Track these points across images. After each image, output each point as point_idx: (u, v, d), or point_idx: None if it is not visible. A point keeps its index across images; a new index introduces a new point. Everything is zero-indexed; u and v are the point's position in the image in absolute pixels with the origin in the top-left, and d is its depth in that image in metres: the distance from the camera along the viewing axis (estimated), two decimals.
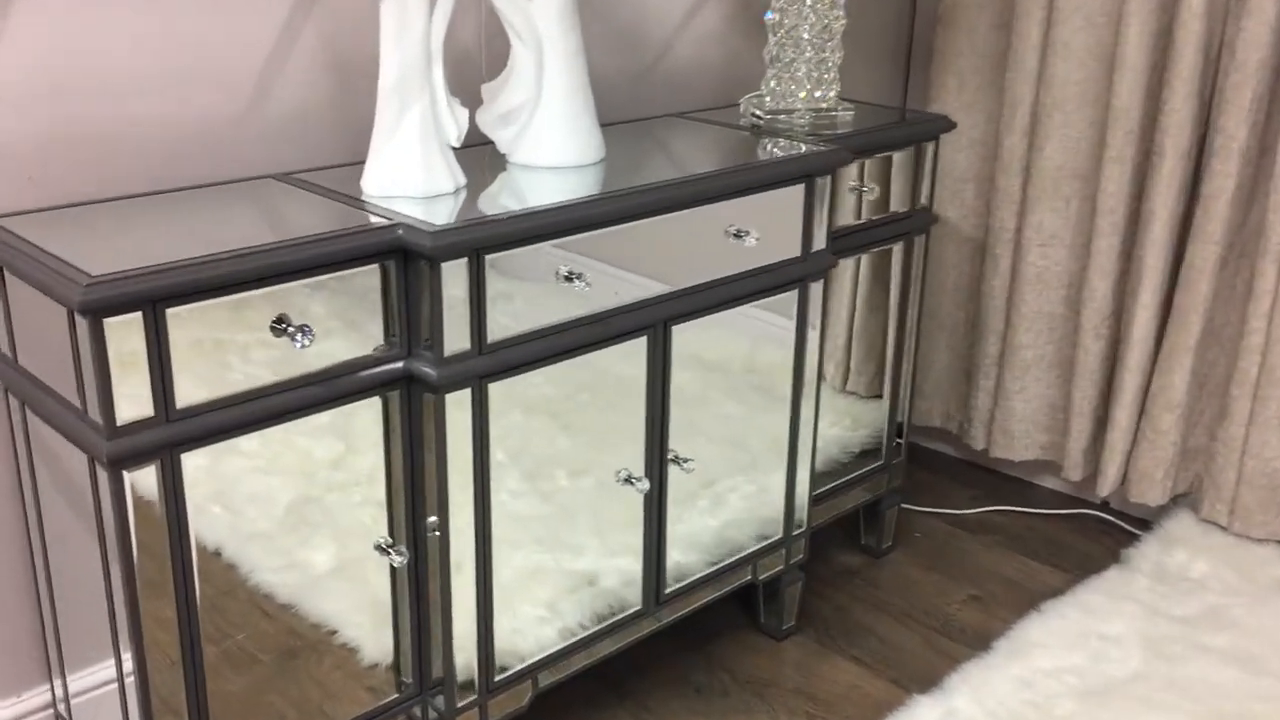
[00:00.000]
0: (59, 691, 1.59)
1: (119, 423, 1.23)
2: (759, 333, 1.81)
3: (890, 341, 2.17)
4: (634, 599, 1.77)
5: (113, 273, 1.20)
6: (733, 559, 1.92)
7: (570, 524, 1.65)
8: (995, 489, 2.58)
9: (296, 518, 1.45)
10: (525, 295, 1.49)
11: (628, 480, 1.71)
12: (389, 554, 1.52)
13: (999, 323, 2.45)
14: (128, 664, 1.36)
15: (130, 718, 1.40)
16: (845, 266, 2.04)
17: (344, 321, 1.39)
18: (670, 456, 1.75)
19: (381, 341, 1.43)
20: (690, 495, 1.81)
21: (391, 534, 1.53)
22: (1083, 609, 2.10)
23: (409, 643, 1.59)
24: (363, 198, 1.51)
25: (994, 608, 2.18)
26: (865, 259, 2.08)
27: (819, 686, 1.96)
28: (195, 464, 1.31)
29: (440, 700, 1.60)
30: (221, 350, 1.30)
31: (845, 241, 1.98)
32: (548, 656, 1.70)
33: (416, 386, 1.46)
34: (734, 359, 1.79)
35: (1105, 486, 2.36)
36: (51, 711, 1.67)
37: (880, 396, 2.21)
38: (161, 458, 1.27)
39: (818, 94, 2.00)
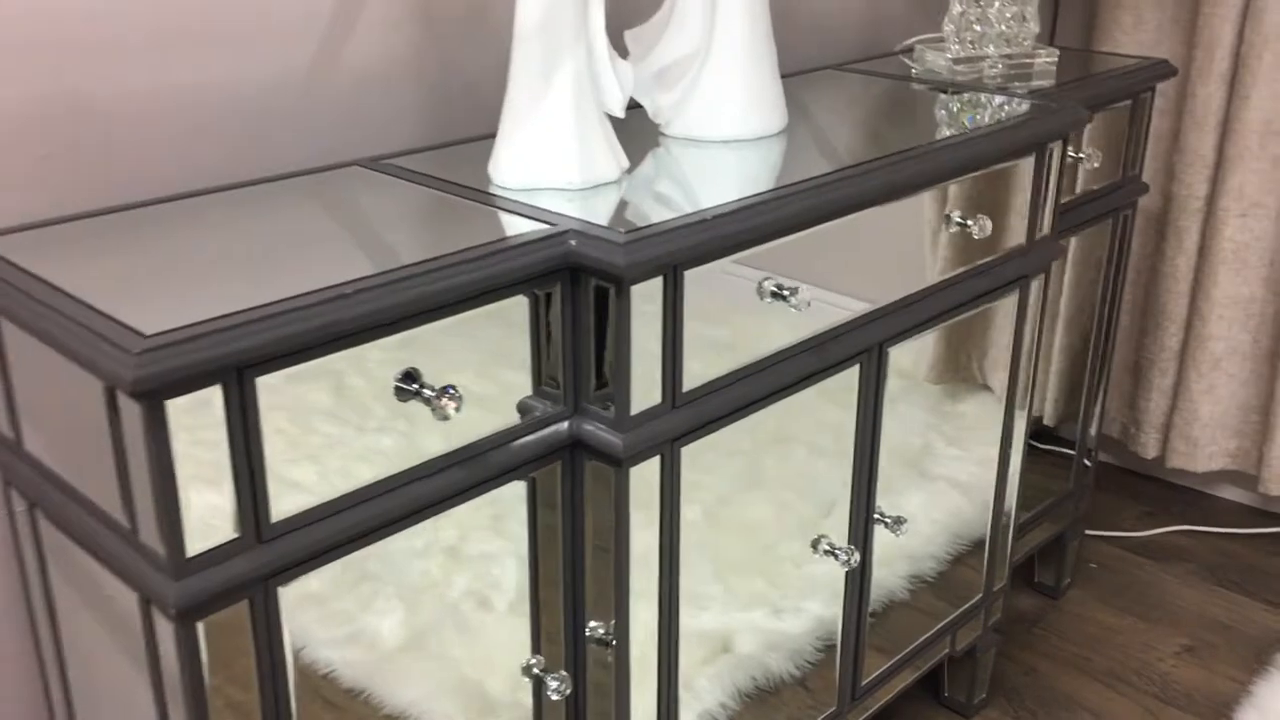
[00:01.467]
0: None
1: (189, 554, 0.81)
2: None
3: (1091, 343, 1.77)
4: (776, 665, 1.36)
5: (176, 330, 0.78)
6: (929, 634, 1.53)
7: (686, 568, 1.20)
8: (1168, 504, 2.20)
9: (356, 573, 1.02)
10: (702, 320, 1.07)
11: (830, 552, 1.30)
12: (542, 682, 1.11)
13: (1181, 310, 2.05)
14: None
15: None
16: None
17: (475, 372, 0.97)
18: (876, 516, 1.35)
19: (529, 395, 1.01)
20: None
21: (539, 651, 1.12)
22: None
23: None
24: (493, 190, 1.09)
25: (1214, 662, 1.79)
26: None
27: None
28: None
29: None
30: (313, 428, 0.87)
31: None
32: None
33: (581, 455, 1.05)
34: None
35: None
36: None
37: (1062, 420, 1.81)
38: (252, 596, 0.85)
39: (1014, 37, 1.57)
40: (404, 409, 0.92)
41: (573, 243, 0.96)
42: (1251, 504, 2.19)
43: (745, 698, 1.31)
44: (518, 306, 0.97)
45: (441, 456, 0.95)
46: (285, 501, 0.86)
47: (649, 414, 1.02)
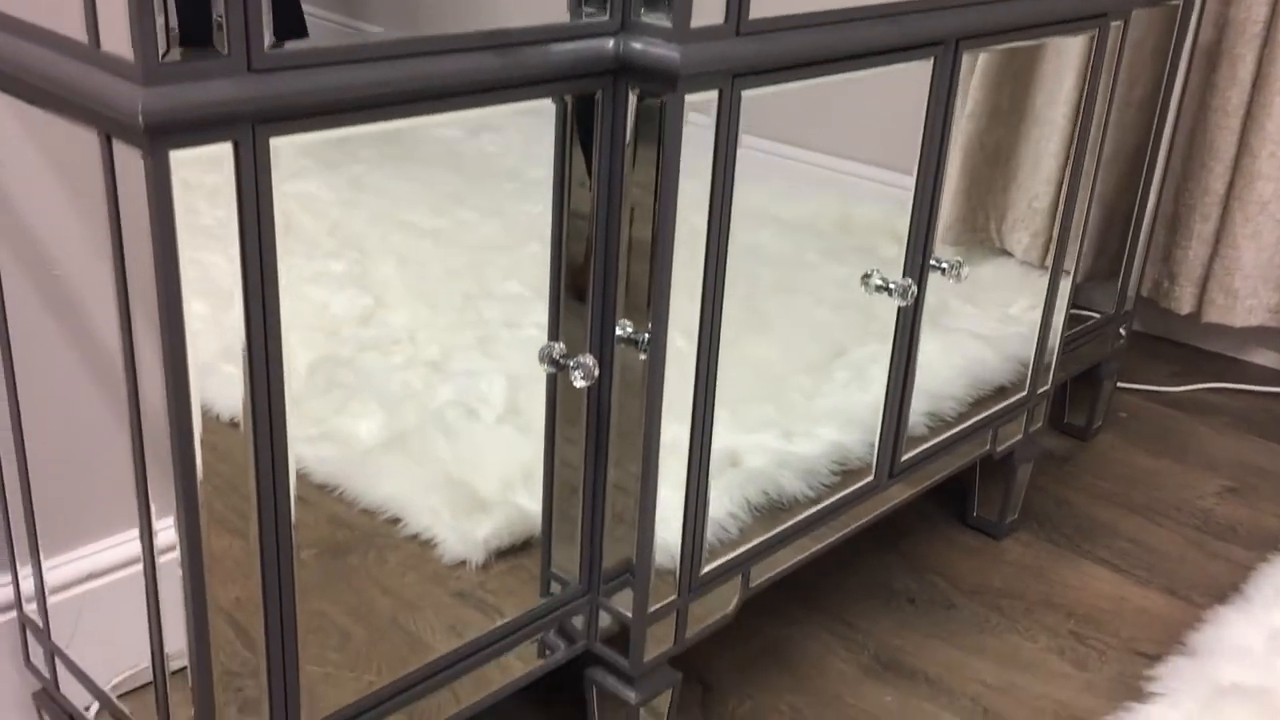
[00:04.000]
0: (27, 587, 1.01)
1: (163, 56, 0.65)
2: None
3: (1150, 147, 1.63)
4: (789, 483, 1.21)
5: None
6: (974, 420, 1.39)
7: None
8: (1198, 365, 2.07)
9: (325, 379, 0.88)
10: None
11: (882, 287, 1.16)
12: (564, 368, 0.96)
13: (1229, 147, 1.92)
14: (163, 531, 0.79)
15: (165, 617, 0.84)
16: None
17: None
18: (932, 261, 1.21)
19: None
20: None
21: (559, 340, 0.97)
22: None
23: (576, 515, 1.03)
24: None
25: (1259, 501, 1.67)
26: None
27: (1073, 597, 1.44)
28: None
29: (620, 600, 1.05)
30: None
31: None
32: (762, 543, 1.15)
33: (626, 84, 0.89)
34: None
35: None
36: (14, 615, 1.09)
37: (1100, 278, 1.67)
38: (238, 140, 0.69)
39: None
40: None
41: None
42: None
43: (756, 510, 1.17)
44: None
45: (473, 33, 0.79)
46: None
47: (709, 32, 0.87)
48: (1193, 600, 1.44)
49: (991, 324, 1.45)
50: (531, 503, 1.03)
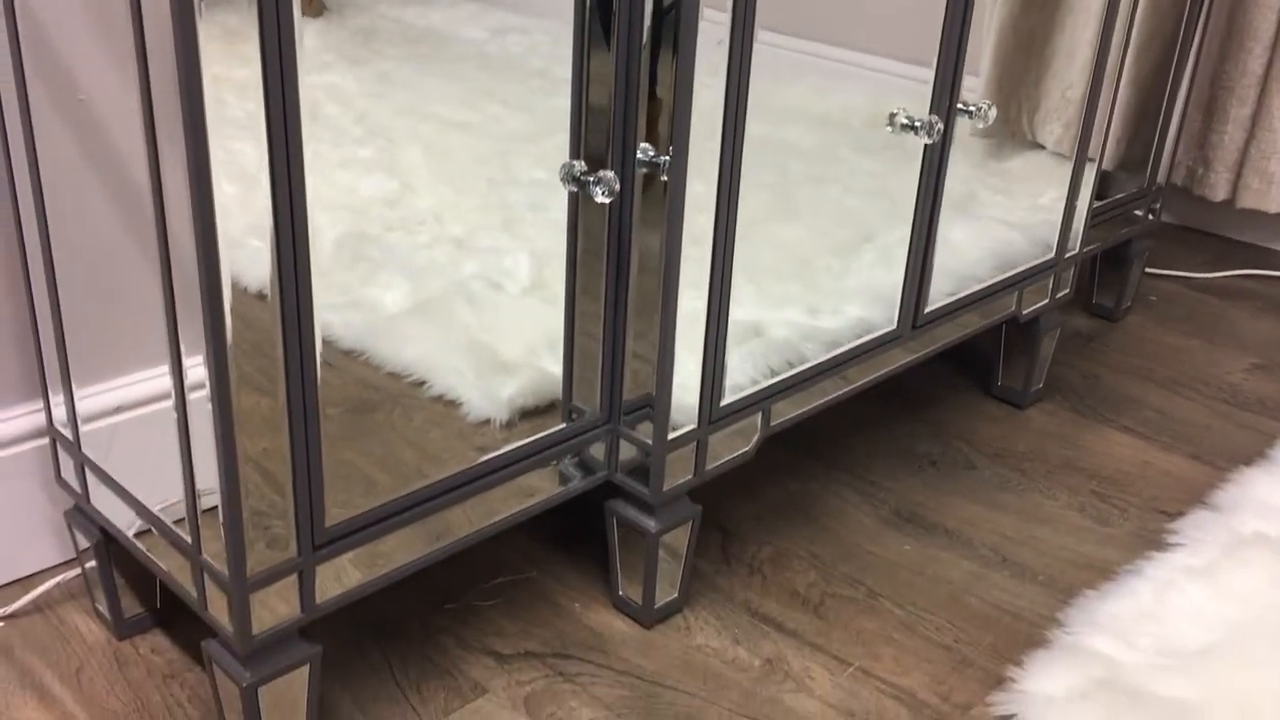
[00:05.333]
0: (59, 414, 1.02)
1: None
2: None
3: (1185, 23, 1.59)
4: (813, 354, 1.21)
5: None
6: (1001, 277, 1.38)
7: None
8: (1229, 254, 2.05)
9: (351, 254, 0.88)
10: None
11: (910, 126, 1.14)
12: (587, 185, 0.95)
13: (1269, 26, 1.88)
14: (192, 369, 0.81)
15: (195, 447, 0.85)
16: None
17: None
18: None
19: None
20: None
21: (579, 157, 0.97)
22: None
23: (597, 344, 1.03)
24: None
25: None
26: None
27: (1096, 461, 1.44)
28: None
29: (641, 431, 1.05)
30: None
31: None
32: (782, 382, 1.15)
33: None
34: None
35: None
36: (43, 442, 1.11)
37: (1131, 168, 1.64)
38: None
39: None
40: None
41: None
42: None
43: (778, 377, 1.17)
44: None
45: None
46: None
47: None
48: (1217, 465, 1.43)
49: (1021, 213, 1.44)
50: (556, 367, 1.03)
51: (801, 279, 1.19)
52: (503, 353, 1.02)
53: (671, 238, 0.98)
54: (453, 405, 1.02)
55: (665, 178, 0.96)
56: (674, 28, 0.92)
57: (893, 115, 1.15)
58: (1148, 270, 1.94)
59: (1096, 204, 1.61)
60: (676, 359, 1.03)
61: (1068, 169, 1.44)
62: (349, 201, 0.87)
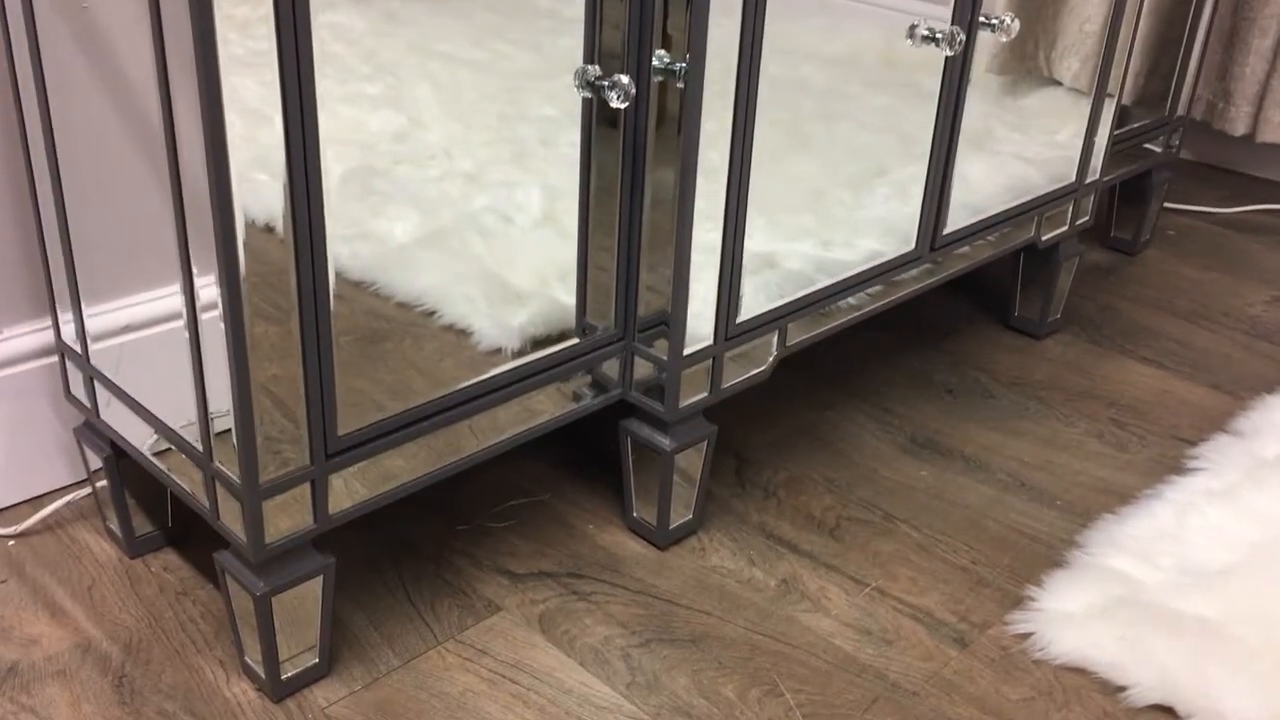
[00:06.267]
0: (69, 330, 1.01)
1: None
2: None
3: None
4: (825, 284, 1.19)
5: None
6: (1019, 202, 1.36)
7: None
8: (1249, 189, 2.02)
9: (360, 187, 0.86)
10: None
11: (930, 38, 1.12)
12: (602, 90, 0.93)
13: None
14: (203, 285, 0.79)
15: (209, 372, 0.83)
16: None
17: None
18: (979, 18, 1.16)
19: None
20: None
21: (594, 62, 0.95)
22: None
23: (612, 255, 1.02)
24: None
25: None
26: None
27: (1114, 389, 1.42)
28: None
29: (657, 347, 1.04)
30: None
31: None
32: (798, 300, 1.13)
33: None
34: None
35: None
36: (51, 361, 1.10)
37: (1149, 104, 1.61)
38: None
39: None
40: None
41: None
42: None
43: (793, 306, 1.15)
44: None
45: None
46: None
47: None
48: (1238, 394, 1.41)
49: (1037, 148, 1.41)
50: (568, 297, 1.02)
51: (815, 212, 1.17)
52: (514, 282, 1.00)
53: (687, 145, 0.95)
54: (463, 334, 1.00)
55: (681, 84, 0.94)
56: None
57: (913, 27, 1.12)
58: (1166, 205, 1.91)
59: (1115, 134, 1.59)
60: (691, 290, 1.02)
61: (1085, 104, 1.41)
62: (357, 137, 0.85)
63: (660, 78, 0.96)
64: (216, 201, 0.74)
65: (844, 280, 1.17)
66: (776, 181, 1.09)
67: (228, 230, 0.76)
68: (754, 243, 1.15)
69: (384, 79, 0.88)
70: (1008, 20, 1.18)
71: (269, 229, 0.79)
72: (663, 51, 0.95)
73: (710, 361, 1.06)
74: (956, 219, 1.34)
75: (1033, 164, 1.40)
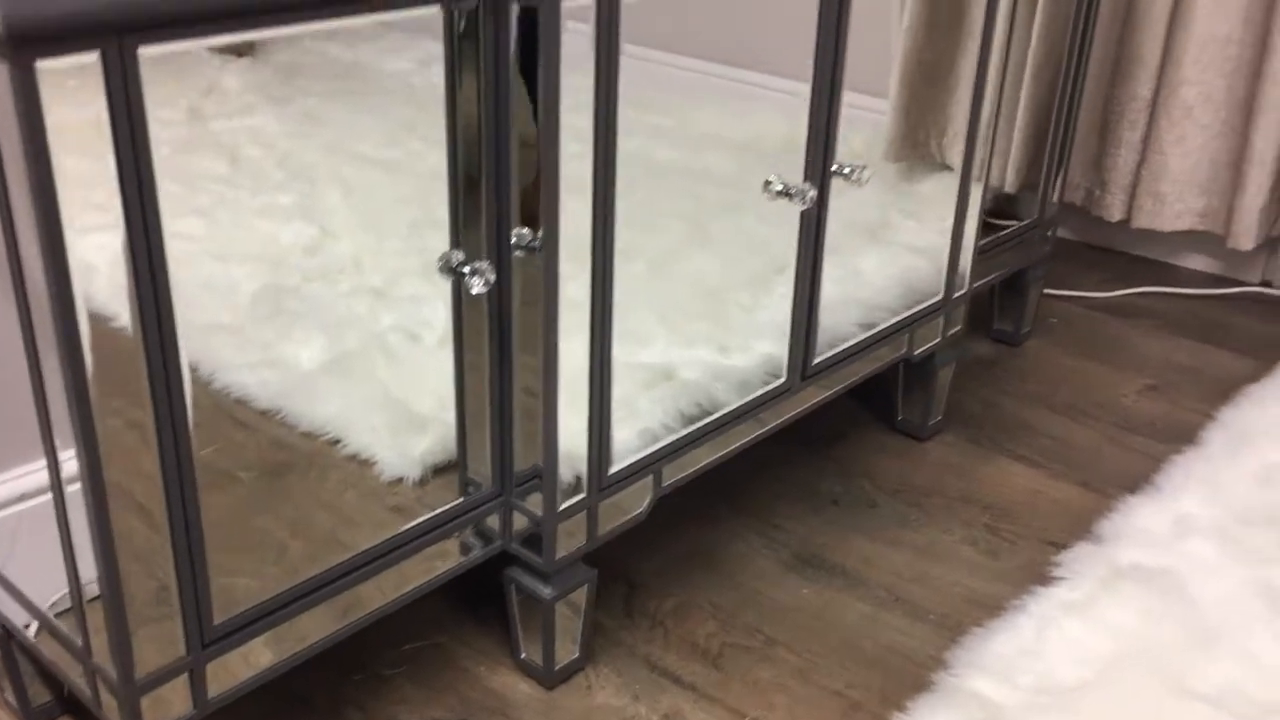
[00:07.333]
0: None
1: None
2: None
3: (1065, 56, 1.65)
4: (723, 394, 1.25)
5: None
6: (891, 323, 1.43)
7: (628, 312, 1.11)
8: (1130, 272, 2.11)
9: (269, 308, 0.91)
10: None
11: (784, 193, 1.19)
12: (464, 276, 0.99)
13: (1155, 53, 1.94)
14: (66, 462, 0.83)
15: (74, 546, 0.87)
16: None
17: None
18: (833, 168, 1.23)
19: None
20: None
21: (459, 247, 1.00)
22: None
23: (485, 420, 1.07)
24: None
25: (1179, 398, 1.72)
26: None
27: (991, 492, 1.49)
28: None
29: (532, 502, 1.09)
30: None
31: None
32: (672, 444, 1.19)
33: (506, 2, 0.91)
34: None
35: None
36: None
37: (1024, 188, 1.70)
38: (104, 48, 0.72)
39: None
40: None
41: None
42: (1214, 270, 2.11)
43: (689, 421, 1.21)
44: None
45: None
46: None
47: None
48: (1105, 492, 1.49)
49: (930, 236, 1.48)
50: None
51: (713, 316, 1.22)
52: (416, 407, 1.05)
53: (548, 322, 1.01)
54: (367, 464, 1.05)
55: (539, 260, 1.00)
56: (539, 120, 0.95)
57: (768, 183, 1.19)
58: (1048, 291, 2.00)
59: (989, 238, 1.67)
60: (570, 425, 1.07)
61: (977, 189, 1.48)
62: (268, 252, 0.88)
63: (521, 252, 1.01)
64: (67, 358, 0.76)
65: (715, 420, 1.23)
66: (677, 283, 1.14)
67: (84, 412, 0.78)
68: (652, 353, 1.21)
69: (297, 186, 0.92)
70: (860, 167, 1.25)
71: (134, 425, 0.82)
72: (524, 230, 1.00)
73: (586, 512, 1.11)
74: (849, 315, 1.42)
75: (924, 254, 1.48)
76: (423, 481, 1.06)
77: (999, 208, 1.80)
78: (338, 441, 1.04)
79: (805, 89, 1.18)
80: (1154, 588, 1.26)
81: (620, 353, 1.11)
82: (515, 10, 0.92)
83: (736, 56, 1.13)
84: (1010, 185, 1.80)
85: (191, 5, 0.74)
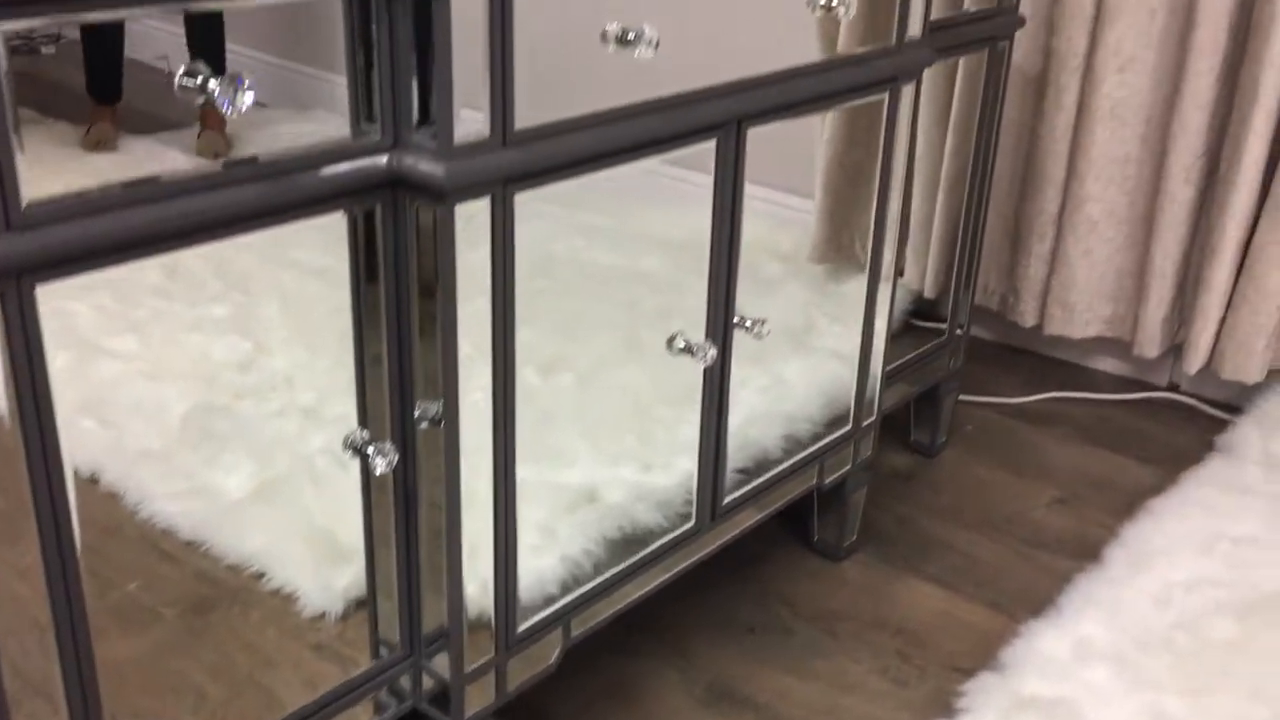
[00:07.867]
0: None
1: None
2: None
3: (967, 180, 1.72)
4: (645, 515, 1.29)
5: None
6: (796, 459, 1.47)
7: (553, 428, 1.16)
8: (1045, 375, 2.18)
9: (198, 431, 0.94)
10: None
11: (686, 350, 1.23)
12: (367, 456, 1.02)
13: (1059, 171, 2.02)
14: None
15: None
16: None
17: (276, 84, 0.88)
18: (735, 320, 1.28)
19: (347, 130, 0.92)
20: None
21: (365, 427, 1.03)
22: (1201, 507, 1.72)
23: (394, 585, 1.10)
24: None
25: (1086, 510, 1.78)
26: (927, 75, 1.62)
27: (902, 616, 1.53)
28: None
29: (439, 663, 1.12)
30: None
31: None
32: (581, 595, 1.22)
33: (405, 196, 0.96)
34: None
35: (1193, 362, 1.98)
36: None
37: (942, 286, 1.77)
38: (4, 289, 0.75)
39: None
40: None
41: None
42: (1125, 374, 2.18)
43: (612, 545, 1.25)
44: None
45: (242, 164, 0.85)
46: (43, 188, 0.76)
47: (477, 146, 0.94)
48: (1013, 614, 1.54)
49: (856, 340, 1.52)
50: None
51: (637, 431, 1.25)
52: (341, 537, 1.07)
53: (451, 500, 1.05)
54: (290, 600, 1.07)
55: (440, 433, 1.03)
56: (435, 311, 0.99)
57: (671, 339, 1.24)
58: (964, 398, 2.06)
59: (899, 361, 1.73)
60: (481, 574, 1.10)
61: (900, 290, 1.52)
62: (200, 370, 0.90)
63: (426, 425, 1.05)
64: None
65: (626, 568, 1.27)
66: (604, 397, 1.16)
67: None
68: (576, 473, 1.25)
69: (232, 297, 0.94)
70: (760, 321, 1.30)
71: (94, 480, 0.84)
72: (427, 403, 1.04)
73: (494, 671, 1.14)
74: (771, 429, 1.46)
75: (847, 361, 1.52)
76: (345, 616, 1.09)
77: (923, 308, 1.86)
78: (262, 575, 1.07)
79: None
80: (1053, 719, 1.30)
81: (543, 473, 1.14)
82: (412, 212, 0.96)
83: (679, 156, 1.15)
84: (929, 290, 1.86)
85: (92, 244, 0.78)
